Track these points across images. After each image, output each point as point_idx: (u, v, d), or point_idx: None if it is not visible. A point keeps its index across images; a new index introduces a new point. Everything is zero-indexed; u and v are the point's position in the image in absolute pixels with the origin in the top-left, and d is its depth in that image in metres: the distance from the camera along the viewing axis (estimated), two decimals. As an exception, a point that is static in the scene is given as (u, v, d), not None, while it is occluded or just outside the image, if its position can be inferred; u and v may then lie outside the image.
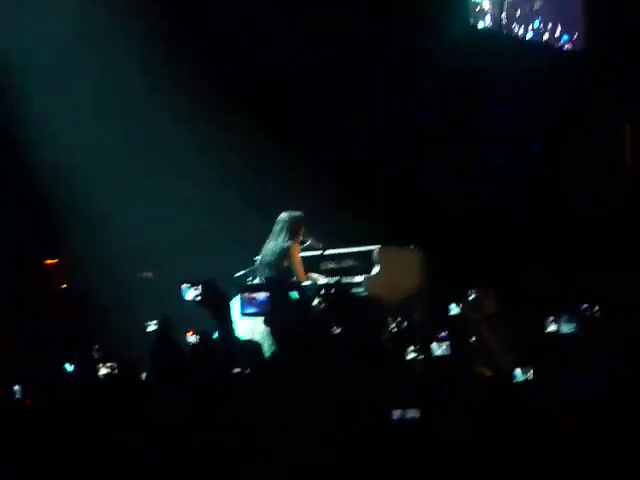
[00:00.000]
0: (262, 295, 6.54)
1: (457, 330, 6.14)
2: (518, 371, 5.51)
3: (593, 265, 12.21)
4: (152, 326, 6.91)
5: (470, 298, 6.99)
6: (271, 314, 6.43)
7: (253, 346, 6.32)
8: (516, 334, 6.27)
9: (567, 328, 6.35)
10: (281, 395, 4.97)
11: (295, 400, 4.90)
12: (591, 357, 5.74)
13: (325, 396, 4.94)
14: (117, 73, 10.97)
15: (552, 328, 6.36)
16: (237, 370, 5.42)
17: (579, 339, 6.24)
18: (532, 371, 5.46)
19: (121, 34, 10.75)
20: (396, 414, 4.66)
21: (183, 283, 6.58)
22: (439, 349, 5.95)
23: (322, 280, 9.37)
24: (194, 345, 6.38)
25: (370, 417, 4.76)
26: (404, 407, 4.67)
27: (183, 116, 11.08)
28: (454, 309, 6.98)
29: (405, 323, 6.55)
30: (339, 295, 7.25)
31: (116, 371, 5.90)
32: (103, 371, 6.00)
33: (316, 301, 7.11)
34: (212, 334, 6.75)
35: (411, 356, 5.93)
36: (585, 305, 7.08)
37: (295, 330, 5.83)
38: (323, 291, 7.06)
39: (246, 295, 6.62)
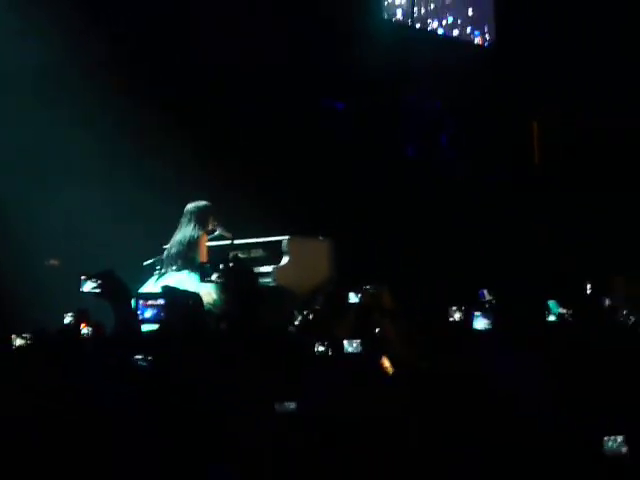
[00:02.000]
0: (158, 302, 6.48)
1: (361, 321, 6.21)
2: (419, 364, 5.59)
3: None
4: (68, 317, 6.86)
5: (369, 292, 7.08)
6: (166, 322, 6.38)
7: (158, 335, 6.30)
8: (419, 327, 6.32)
9: (482, 324, 6.46)
10: (177, 388, 4.96)
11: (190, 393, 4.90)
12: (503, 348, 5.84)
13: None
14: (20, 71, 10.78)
15: (457, 316, 6.47)
16: (139, 359, 5.39)
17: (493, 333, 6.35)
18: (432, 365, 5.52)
19: (24, 29, 10.57)
20: (278, 406, 4.66)
21: (82, 275, 6.51)
22: (350, 346, 5.99)
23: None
24: (86, 337, 6.37)
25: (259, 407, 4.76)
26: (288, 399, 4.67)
27: (92, 107, 10.93)
28: (353, 298, 7.06)
29: (311, 315, 6.56)
30: (236, 268, 7.31)
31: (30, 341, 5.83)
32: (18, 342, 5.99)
33: (214, 276, 7.13)
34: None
35: (320, 349, 5.96)
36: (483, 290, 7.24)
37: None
38: (221, 266, 7.09)
39: (142, 302, 6.54)
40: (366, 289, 7.12)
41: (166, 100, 11.22)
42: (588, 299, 8.13)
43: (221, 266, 7.55)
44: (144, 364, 5.46)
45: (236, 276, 7.10)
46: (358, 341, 5.96)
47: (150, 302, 6.48)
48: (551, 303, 7.12)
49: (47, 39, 10.58)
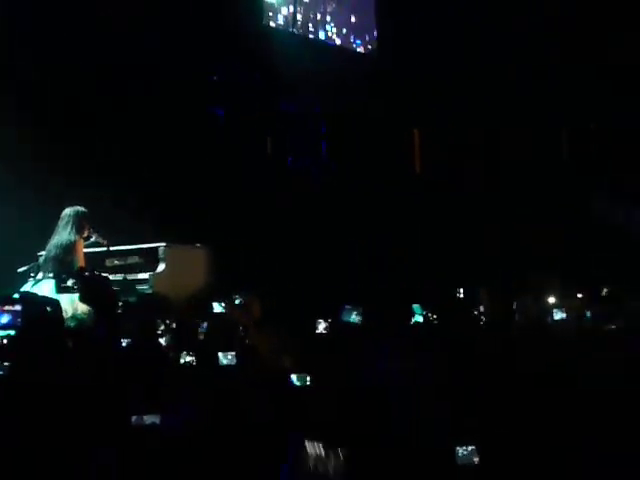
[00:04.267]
0: (16, 308, 6.39)
1: (222, 329, 6.23)
2: (294, 377, 5.63)
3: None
4: None
5: (237, 301, 7.10)
6: (23, 328, 6.30)
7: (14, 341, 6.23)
8: (286, 338, 6.37)
9: (351, 318, 6.56)
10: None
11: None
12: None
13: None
14: None
15: (321, 328, 6.55)
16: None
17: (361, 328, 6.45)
18: (309, 377, 5.57)
19: None
20: (135, 419, 4.66)
21: None
22: (225, 359, 5.98)
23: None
24: None
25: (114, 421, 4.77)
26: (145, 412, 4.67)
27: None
28: (217, 307, 7.08)
29: (178, 324, 6.55)
30: (87, 277, 7.25)
31: None
32: None
33: (70, 282, 7.07)
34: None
35: (188, 359, 5.95)
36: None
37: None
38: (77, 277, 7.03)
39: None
40: (233, 299, 7.15)
41: (37, 100, 11.03)
42: (459, 303, 8.36)
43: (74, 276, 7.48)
44: None
45: (88, 284, 7.03)
46: (233, 353, 5.96)
47: (7, 307, 6.39)
48: (415, 306, 7.32)
49: None
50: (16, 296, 7.23)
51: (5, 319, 6.35)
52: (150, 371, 5.51)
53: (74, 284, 7.32)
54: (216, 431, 4.84)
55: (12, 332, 6.45)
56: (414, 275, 12.06)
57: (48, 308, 6.23)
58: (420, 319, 7.19)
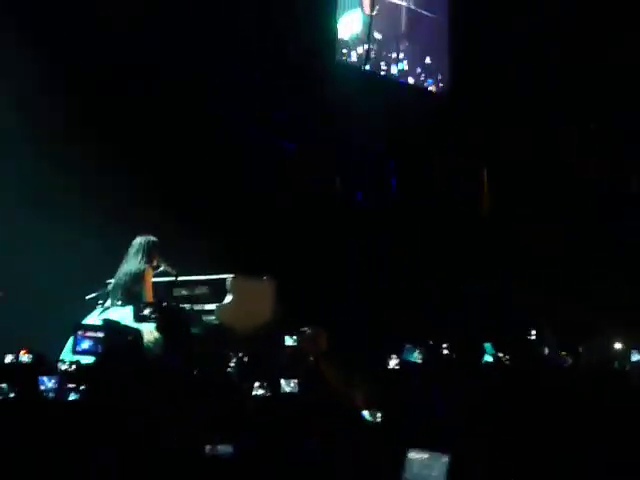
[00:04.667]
0: (98, 335, 6.42)
1: (296, 362, 6.21)
2: (365, 413, 5.59)
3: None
4: (9, 357, 6.75)
5: (306, 333, 7.09)
6: (105, 355, 6.33)
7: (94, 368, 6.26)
8: (356, 372, 6.34)
9: (412, 357, 6.51)
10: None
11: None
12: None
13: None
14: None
15: (393, 364, 6.51)
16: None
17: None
18: (379, 414, 5.53)
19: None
20: (208, 449, 4.64)
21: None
22: (287, 386, 5.97)
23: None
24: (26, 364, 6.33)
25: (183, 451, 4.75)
26: (221, 442, 4.65)
27: (30, 134, 10.82)
28: (289, 340, 7.06)
29: (247, 357, 6.55)
30: (170, 311, 7.28)
31: None
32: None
33: (147, 312, 7.10)
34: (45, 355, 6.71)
35: (259, 392, 5.93)
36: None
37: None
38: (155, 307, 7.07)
39: (80, 333, 6.48)
40: (303, 332, 7.14)
41: (121, 146, 11.17)
42: (530, 344, 8.27)
43: (151, 305, 7.52)
44: (75, 395, 5.45)
45: (166, 315, 7.07)
46: (295, 381, 5.94)
47: (89, 334, 6.43)
48: (487, 345, 7.24)
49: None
50: (98, 323, 7.30)
51: (86, 345, 6.39)
52: (221, 401, 5.50)
53: (151, 313, 7.34)
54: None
55: (87, 359, 6.52)
56: (486, 313, 11.94)
57: (130, 337, 6.27)
58: (490, 359, 7.11)
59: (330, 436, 5.14)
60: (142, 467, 4.71)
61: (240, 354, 6.58)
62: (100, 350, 6.32)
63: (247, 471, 4.71)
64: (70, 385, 5.70)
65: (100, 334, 6.39)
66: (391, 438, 5.20)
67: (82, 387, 5.63)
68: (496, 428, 5.34)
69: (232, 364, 6.51)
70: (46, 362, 6.69)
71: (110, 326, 6.89)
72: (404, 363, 6.61)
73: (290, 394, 5.91)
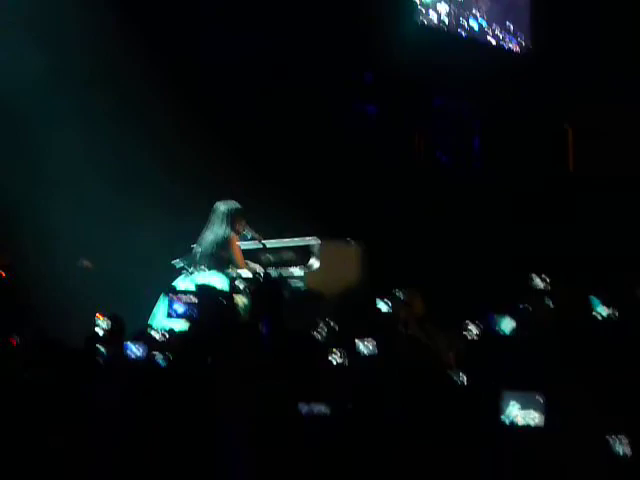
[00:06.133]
0: (191, 299, 6.44)
1: (387, 328, 6.15)
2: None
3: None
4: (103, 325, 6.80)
5: (399, 296, 7.01)
6: (199, 319, 6.35)
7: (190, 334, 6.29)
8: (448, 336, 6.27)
9: (507, 328, 6.36)
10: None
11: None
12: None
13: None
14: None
15: (475, 331, 6.38)
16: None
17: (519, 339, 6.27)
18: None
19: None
20: (303, 408, 4.62)
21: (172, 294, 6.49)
22: (365, 348, 5.89)
23: (261, 270, 9.38)
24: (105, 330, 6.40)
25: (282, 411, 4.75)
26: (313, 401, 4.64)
27: (115, 111, 10.90)
28: (383, 307, 6.98)
29: (333, 323, 6.49)
30: (268, 283, 7.26)
31: None
32: None
33: (242, 285, 7.10)
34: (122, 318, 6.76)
35: (337, 357, 5.88)
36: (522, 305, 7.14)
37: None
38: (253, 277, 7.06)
39: (173, 296, 6.50)
40: (396, 296, 7.05)
41: (189, 101, 11.18)
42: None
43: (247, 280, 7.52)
44: (162, 362, 5.47)
45: (263, 286, 7.06)
46: (373, 342, 5.86)
47: (183, 298, 6.46)
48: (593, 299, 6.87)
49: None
50: (189, 288, 7.34)
51: (181, 309, 6.43)
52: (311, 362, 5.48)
53: (246, 287, 7.35)
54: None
55: (181, 324, 6.54)
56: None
57: (224, 301, 6.29)
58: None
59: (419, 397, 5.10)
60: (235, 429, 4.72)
61: (328, 320, 6.50)
62: (195, 315, 6.36)
63: (343, 430, 4.69)
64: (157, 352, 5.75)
65: (194, 299, 6.42)
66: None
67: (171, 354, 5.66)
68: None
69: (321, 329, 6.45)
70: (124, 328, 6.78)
71: (204, 291, 6.91)
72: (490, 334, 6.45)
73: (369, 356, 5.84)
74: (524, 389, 4.46)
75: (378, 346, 5.83)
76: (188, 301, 6.40)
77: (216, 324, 6.16)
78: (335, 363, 5.71)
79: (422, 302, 7.12)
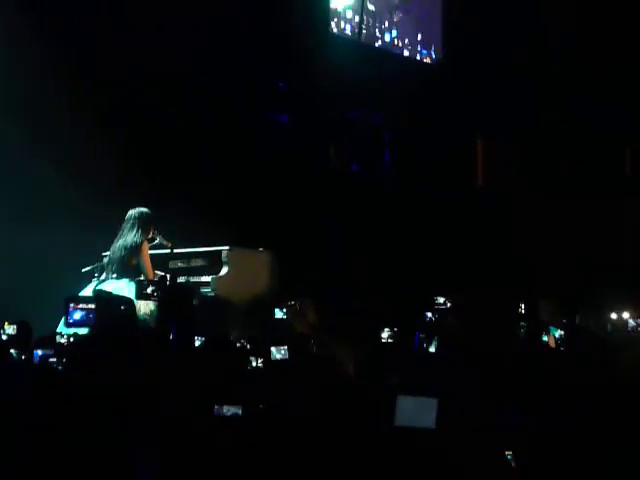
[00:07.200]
0: (89, 306, 6.44)
1: (290, 336, 6.26)
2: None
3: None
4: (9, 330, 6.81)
5: (294, 306, 7.12)
6: (97, 327, 6.35)
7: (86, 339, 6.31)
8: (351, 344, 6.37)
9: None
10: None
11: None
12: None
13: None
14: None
15: (385, 336, 6.54)
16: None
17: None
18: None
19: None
20: (216, 409, 4.70)
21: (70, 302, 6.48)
22: (278, 353, 6.02)
23: (168, 277, 9.41)
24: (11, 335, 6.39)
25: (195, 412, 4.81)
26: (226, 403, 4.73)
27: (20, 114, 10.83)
28: (278, 313, 7.09)
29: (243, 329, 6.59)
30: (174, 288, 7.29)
31: None
32: None
33: (149, 289, 7.12)
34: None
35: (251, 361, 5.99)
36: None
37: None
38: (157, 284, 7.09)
39: (72, 304, 6.50)
40: (291, 305, 7.17)
41: (99, 108, 11.11)
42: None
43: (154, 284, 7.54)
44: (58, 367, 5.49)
45: (170, 294, 7.09)
46: (285, 347, 5.99)
47: (81, 305, 6.45)
48: None
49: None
50: (90, 294, 7.33)
51: (78, 316, 6.41)
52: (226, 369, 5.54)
53: (154, 291, 7.36)
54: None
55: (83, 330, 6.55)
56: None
57: (122, 307, 6.28)
58: None
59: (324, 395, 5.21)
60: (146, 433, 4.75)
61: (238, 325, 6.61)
62: (92, 321, 6.35)
63: (254, 430, 4.77)
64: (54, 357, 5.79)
65: (92, 305, 6.41)
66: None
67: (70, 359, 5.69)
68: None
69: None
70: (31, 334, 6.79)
71: (101, 296, 6.90)
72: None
73: (281, 361, 5.98)
74: (420, 393, 4.58)
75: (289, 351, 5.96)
76: (86, 307, 6.40)
77: (114, 329, 6.16)
78: (248, 367, 5.83)
79: (316, 311, 7.22)
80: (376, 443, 4.61)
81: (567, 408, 5.19)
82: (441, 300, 7.88)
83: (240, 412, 4.69)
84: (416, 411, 4.46)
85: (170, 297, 6.99)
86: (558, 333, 7.31)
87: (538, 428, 4.96)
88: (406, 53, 15.42)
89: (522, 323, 7.54)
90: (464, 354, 6.16)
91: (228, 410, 4.69)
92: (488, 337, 6.60)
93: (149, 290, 7.61)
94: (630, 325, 7.25)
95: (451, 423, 4.62)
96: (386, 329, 6.72)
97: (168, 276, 9.28)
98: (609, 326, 7.81)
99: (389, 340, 6.81)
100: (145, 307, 7.89)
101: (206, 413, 4.71)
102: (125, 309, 6.23)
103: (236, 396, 4.90)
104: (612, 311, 8.25)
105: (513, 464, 4.58)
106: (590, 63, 14.64)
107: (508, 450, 4.58)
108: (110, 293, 7.48)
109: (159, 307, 7.11)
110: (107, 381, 5.03)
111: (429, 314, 7.47)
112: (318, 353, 6.40)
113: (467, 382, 5.47)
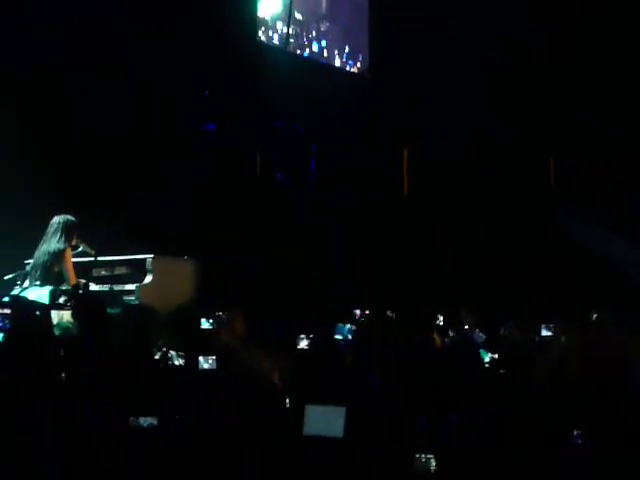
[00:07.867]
0: (4, 311, 6.39)
1: (215, 345, 6.26)
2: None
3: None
4: None
5: (221, 317, 7.13)
6: (12, 331, 6.30)
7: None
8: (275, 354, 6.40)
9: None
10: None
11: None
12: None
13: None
14: None
15: (303, 344, 6.58)
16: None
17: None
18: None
19: None
20: (132, 420, 4.70)
21: None
22: (206, 362, 6.02)
23: (93, 286, 9.34)
24: None
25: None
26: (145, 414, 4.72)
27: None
28: (205, 324, 7.09)
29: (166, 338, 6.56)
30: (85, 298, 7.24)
31: None
32: None
33: (62, 299, 7.08)
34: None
35: (177, 363, 5.99)
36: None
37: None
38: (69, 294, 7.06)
39: None
40: (219, 315, 7.17)
41: (23, 114, 10.98)
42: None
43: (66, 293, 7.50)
44: None
45: (82, 303, 7.06)
46: (213, 357, 6.00)
47: None
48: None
49: None
50: (6, 299, 7.25)
51: (-8, 324, 6.36)
52: (145, 376, 5.53)
53: (66, 301, 7.32)
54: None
55: None
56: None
57: (37, 312, 6.24)
58: None
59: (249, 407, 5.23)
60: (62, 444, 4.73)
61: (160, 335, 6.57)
62: (7, 326, 6.30)
63: (170, 441, 4.77)
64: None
65: (7, 310, 6.37)
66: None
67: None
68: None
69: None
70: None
71: (17, 302, 6.86)
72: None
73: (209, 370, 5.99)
74: (330, 402, 4.62)
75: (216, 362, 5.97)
76: (1, 313, 6.36)
77: (28, 335, 6.12)
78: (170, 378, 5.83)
79: (243, 322, 7.23)
80: (285, 453, 4.64)
81: (483, 410, 5.27)
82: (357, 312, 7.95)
83: (156, 423, 4.68)
84: (324, 420, 4.49)
85: (81, 306, 6.98)
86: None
87: (456, 430, 5.02)
88: (337, 63, 15.48)
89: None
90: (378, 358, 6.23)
91: (145, 421, 4.68)
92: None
93: (61, 300, 7.58)
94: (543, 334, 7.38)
95: (359, 431, 4.67)
96: (303, 336, 6.73)
97: (81, 283, 9.19)
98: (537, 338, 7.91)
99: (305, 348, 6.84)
100: (68, 315, 7.87)
101: (120, 424, 4.70)
102: (40, 315, 6.20)
103: (155, 406, 4.90)
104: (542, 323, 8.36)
105: (433, 468, 4.62)
106: (513, 75, 14.84)
107: (429, 454, 4.62)
108: (25, 298, 7.44)
109: (74, 316, 7.11)
110: (18, 387, 5.02)
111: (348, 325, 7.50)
112: (245, 363, 6.41)
113: (376, 390, 5.54)
